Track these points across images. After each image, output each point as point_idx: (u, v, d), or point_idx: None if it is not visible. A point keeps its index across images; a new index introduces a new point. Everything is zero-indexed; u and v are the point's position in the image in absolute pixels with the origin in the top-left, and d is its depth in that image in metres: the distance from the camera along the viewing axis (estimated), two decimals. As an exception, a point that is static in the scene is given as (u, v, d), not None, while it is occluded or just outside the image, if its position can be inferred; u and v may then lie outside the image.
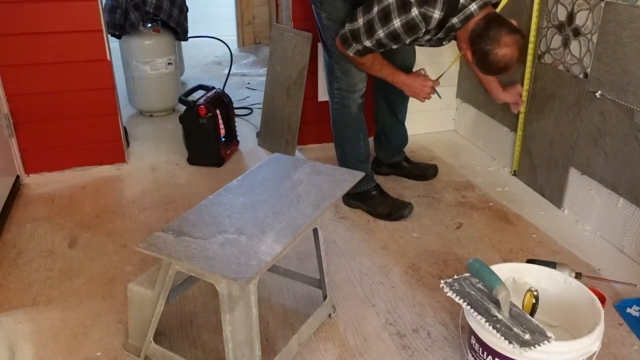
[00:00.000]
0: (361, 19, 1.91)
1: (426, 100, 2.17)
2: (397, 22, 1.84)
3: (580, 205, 2.20)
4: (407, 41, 1.92)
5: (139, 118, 3.38)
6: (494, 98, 2.37)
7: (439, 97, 2.21)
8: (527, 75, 2.35)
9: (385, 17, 1.86)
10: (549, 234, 2.14)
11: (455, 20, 1.85)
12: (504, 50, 1.80)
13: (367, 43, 1.93)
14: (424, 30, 1.85)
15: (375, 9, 1.87)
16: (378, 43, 1.93)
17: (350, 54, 2.00)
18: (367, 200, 2.28)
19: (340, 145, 2.32)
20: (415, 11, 1.80)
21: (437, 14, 1.81)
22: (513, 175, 2.59)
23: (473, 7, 1.82)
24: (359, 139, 2.28)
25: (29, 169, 2.56)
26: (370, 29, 1.90)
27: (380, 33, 1.89)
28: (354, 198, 2.30)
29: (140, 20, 3.13)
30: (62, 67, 2.43)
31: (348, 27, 1.95)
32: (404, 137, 2.58)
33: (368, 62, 2.05)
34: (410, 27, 1.85)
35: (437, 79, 2.17)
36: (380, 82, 2.24)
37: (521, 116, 2.44)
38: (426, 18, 1.82)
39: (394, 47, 1.97)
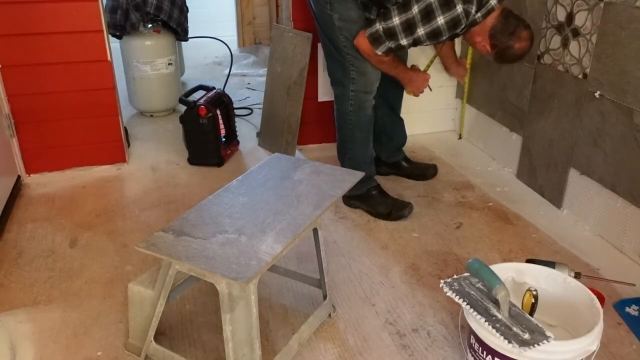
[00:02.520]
0: (397, 18, 1.92)
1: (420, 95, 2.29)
2: (440, 20, 1.88)
3: (580, 205, 2.20)
4: (444, 38, 1.97)
5: (139, 118, 3.38)
6: (449, 74, 2.72)
7: (430, 90, 2.32)
8: (469, 51, 2.79)
9: (428, 15, 1.88)
10: (549, 234, 2.14)
11: (478, 15, 1.90)
12: (523, 44, 1.98)
13: (404, 41, 1.96)
14: (464, 26, 1.91)
15: (416, 9, 1.88)
16: (415, 41, 1.96)
17: (379, 52, 2.00)
18: (367, 200, 2.28)
19: (350, 148, 2.29)
20: (459, 8, 1.86)
21: (473, 10, 1.88)
22: (459, 139, 3.03)
23: (493, 1, 1.89)
24: (369, 141, 2.29)
25: (29, 169, 2.56)
26: (409, 27, 1.92)
27: (421, 31, 1.92)
28: (354, 198, 2.30)
29: (140, 21, 3.13)
30: (63, 68, 2.43)
31: (382, 25, 1.95)
32: (404, 134, 2.59)
33: (389, 60, 2.08)
34: (454, 23, 1.89)
35: (426, 71, 2.28)
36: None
37: (466, 85, 2.90)
38: (467, 14, 1.88)
39: (427, 44, 2.04)
